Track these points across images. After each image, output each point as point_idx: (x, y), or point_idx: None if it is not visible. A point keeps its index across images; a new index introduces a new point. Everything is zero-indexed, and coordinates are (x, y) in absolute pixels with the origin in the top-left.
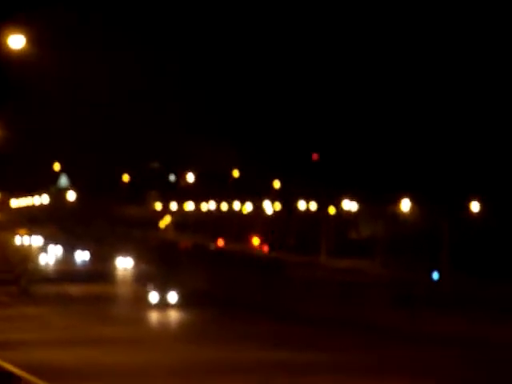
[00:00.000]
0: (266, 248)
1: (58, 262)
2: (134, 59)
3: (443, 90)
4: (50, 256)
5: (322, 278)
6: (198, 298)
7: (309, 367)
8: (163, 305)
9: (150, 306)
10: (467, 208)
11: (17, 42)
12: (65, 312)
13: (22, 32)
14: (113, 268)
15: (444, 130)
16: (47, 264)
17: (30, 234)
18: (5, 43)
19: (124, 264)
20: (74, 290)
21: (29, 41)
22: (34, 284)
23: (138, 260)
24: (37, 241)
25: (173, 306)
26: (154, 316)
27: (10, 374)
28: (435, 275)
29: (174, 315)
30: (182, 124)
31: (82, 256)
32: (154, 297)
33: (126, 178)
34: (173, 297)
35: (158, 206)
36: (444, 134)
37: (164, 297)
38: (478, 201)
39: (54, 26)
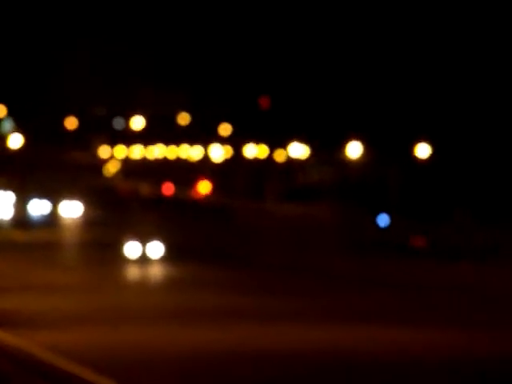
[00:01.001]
0: (213, 193)
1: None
2: None
3: (390, 28)
4: None
5: (270, 223)
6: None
7: (269, 313)
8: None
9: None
10: (415, 152)
11: None
12: (13, 258)
13: None
14: (60, 214)
15: (391, 74)
16: None
17: None
18: None
19: (72, 210)
20: (24, 236)
21: None
22: None
23: (86, 206)
24: None
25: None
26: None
27: None
28: (383, 220)
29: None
30: (129, 68)
31: (30, 203)
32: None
33: (71, 123)
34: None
35: (105, 151)
36: (391, 79)
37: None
38: (427, 144)
39: None
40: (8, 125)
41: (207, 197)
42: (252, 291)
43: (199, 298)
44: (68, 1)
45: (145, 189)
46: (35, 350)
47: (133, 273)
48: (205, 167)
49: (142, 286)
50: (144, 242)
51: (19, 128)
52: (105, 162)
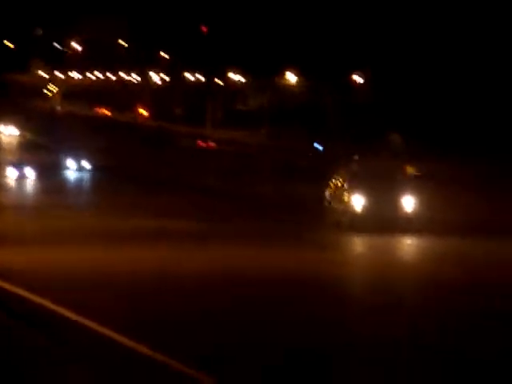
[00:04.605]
0: (152, 118)
1: None
2: None
3: None
4: None
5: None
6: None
7: (210, 234)
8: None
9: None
10: (351, 80)
11: None
12: None
13: None
14: None
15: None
16: None
17: None
18: None
19: (8, 132)
20: None
21: None
22: None
23: (23, 129)
24: None
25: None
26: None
27: None
28: (319, 146)
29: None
30: None
31: None
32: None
33: (9, 44)
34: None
35: (44, 74)
36: (325, 9)
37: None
38: (362, 73)
39: None
40: None
41: (146, 121)
42: (180, 215)
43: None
44: None
45: (83, 111)
46: None
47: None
48: (144, 92)
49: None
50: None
51: None
52: (44, 84)
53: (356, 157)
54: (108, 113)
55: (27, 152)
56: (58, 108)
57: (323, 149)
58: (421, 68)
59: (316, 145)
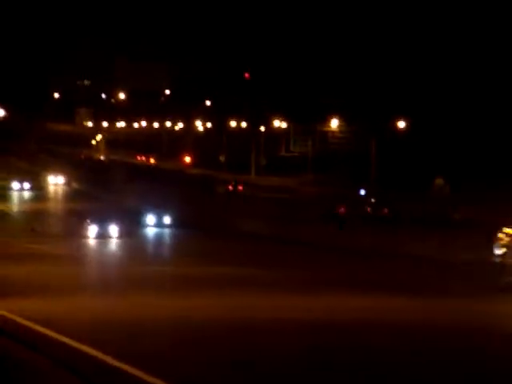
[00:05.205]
0: (195, 166)
1: None
2: None
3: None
4: None
5: (254, 195)
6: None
7: (257, 280)
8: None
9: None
10: (393, 126)
11: None
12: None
13: None
14: (45, 185)
15: (370, 50)
16: None
17: None
18: None
19: (55, 181)
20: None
21: None
22: None
23: (69, 178)
24: None
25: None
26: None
27: None
28: (362, 192)
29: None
30: (111, 41)
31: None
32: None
33: (56, 94)
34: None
35: (89, 123)
36: (369, 54)
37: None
38: (404, 120)
39: None
40: None
41: (190, 168)
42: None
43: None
44: None
45: (126, 159)
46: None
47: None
48: (188, 140)
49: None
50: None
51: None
52: (90, 133)
53: None
54: (153, 161)
55: (72, 201)
56: (102, 157)
57: (366, 194)
58: (459, 113)
59: (362, 191)
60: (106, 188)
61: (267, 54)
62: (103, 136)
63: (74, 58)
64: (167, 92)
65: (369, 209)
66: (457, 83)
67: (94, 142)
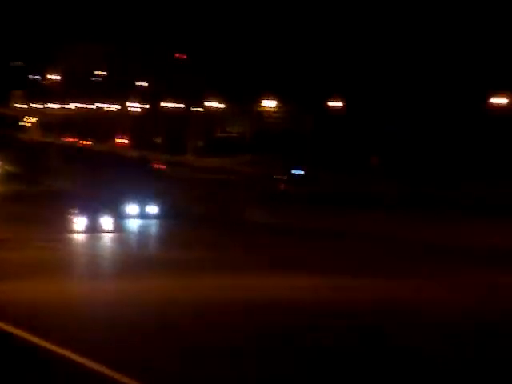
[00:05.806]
0: (131, 147)
1: None
2: None
3: None
4: None
5: (192, 177)
6: None
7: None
8: None
9: None
10: (329, 105)
11: None
12: None
13: None
14: None
15: (301, 32)
16: None
17: None
18: None
19: None
20: None
21: None
22: None
23: (2, 161)
24: None
25: None
26: None
27: None
28: (299, 172)
29: None
30: (46, 22)
31: None
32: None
33: None
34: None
35: (24, 106)
36: (302, 35)
37: None
38: (340, 100)
39: None
40: None
41: (127, 150)
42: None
43: None
44: None
45: (59, 141)
46: None
47: None
48: (123, 121)
49: None
50: None
51: None
52: (23, 116)
53: None
54: (88, 142)
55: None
56: (35, 139)
57: (304, 173)
58: (394, 94)
59: (294, 171)
60: (43, 171)
61: (203, 32)
62: (38, 118)
63: (7, 40)
64: (103, 73)
65: (282, 185)
66: (396, 67)
67: (26, 124)
